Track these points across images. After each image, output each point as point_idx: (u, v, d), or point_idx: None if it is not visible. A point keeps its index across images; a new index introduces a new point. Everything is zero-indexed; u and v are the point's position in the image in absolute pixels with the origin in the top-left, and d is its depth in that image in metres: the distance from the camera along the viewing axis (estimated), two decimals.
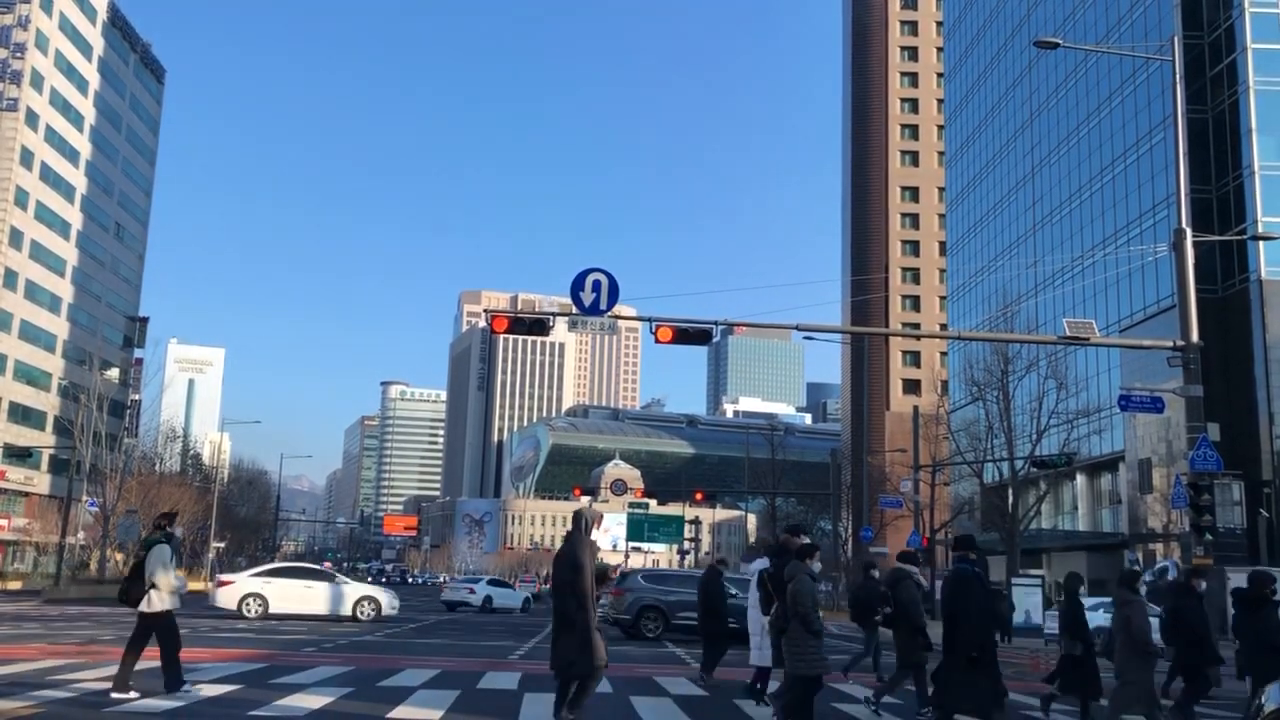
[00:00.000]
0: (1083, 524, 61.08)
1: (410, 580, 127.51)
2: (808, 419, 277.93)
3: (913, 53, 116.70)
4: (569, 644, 8.87)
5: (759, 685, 12.96)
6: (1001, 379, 42.79)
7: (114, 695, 10.98)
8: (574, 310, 20.18)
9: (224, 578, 31.41)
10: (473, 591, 44.74)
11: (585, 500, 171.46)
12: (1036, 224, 67.50)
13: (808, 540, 11.28)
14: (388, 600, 30.33)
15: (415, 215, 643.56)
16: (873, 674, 17.00)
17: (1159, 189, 51.50)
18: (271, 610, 28.48)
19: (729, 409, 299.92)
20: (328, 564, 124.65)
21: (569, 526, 9.69)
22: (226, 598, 29.02)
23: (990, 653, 9.13)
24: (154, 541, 11.55)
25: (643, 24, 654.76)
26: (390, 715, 10.74)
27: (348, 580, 33.01)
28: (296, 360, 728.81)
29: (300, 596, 29.19)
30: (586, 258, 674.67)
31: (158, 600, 11.38)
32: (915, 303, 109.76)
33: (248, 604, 28.43)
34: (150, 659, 11.86)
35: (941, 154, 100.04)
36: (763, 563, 12.80)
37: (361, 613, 29.27)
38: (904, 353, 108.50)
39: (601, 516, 9.75)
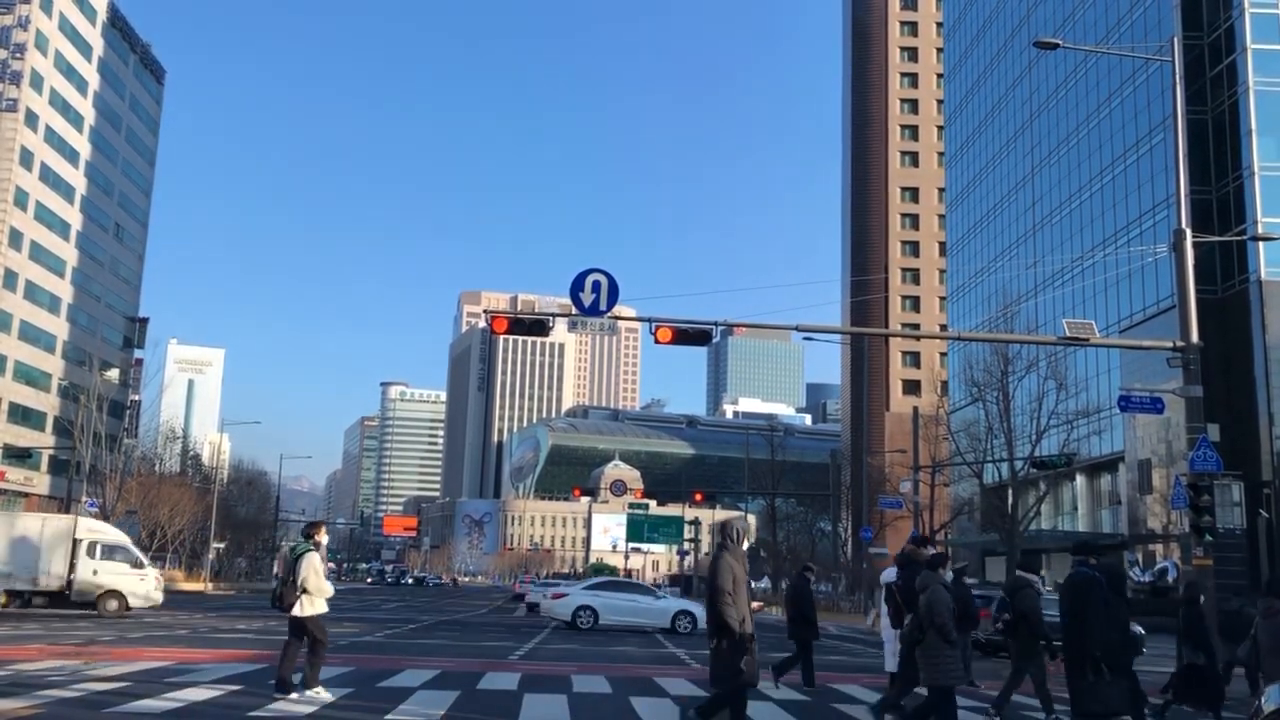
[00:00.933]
0: (1082, 524, 61.09)
1: (430, 582, 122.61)
2: (808, 419, 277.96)
3: (913, 53, 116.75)
4: (726, 654, 8.77)
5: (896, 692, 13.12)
6: (1001, 379, 42.82)
7: (310, 693, 11.53)
8: (574, 311, 20.19)
9: (557, 590, 32.99)
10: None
11: (584, 500, 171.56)
12: (1036, 224, 67.51)
13: (935, 550, 11.31)
14: (701, 614, 30.51)
15: (415, 215, 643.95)
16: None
17: (1159, 189, 51.49)
18: (601, 622, 29.21)
19: (729, 409, 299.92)
20: (329, 565, 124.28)
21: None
22: (561, 609, 30.05)
23: (1118, 655, 8.97)
24: (304, 550, 12.03)
25: (641, 24, 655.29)
26: (390, 715, 10.73)
27: (666, 595, 34.63)
28: (296, 361, 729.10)
29: (627, 609, 29.97)
30: (586, 258, 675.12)
31: (309, 605, 11.86)
32: (915, 303, 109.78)
33: (581, 615, 29.37)
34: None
35: (941, 154, 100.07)
36: (891, 574, 12.87)
37: (680, 626, 29.49)
38: (904, 353, 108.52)
39: (750, 528, 9.73)
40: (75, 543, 29.49)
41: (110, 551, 29.80)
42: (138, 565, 29.96)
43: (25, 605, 28.79)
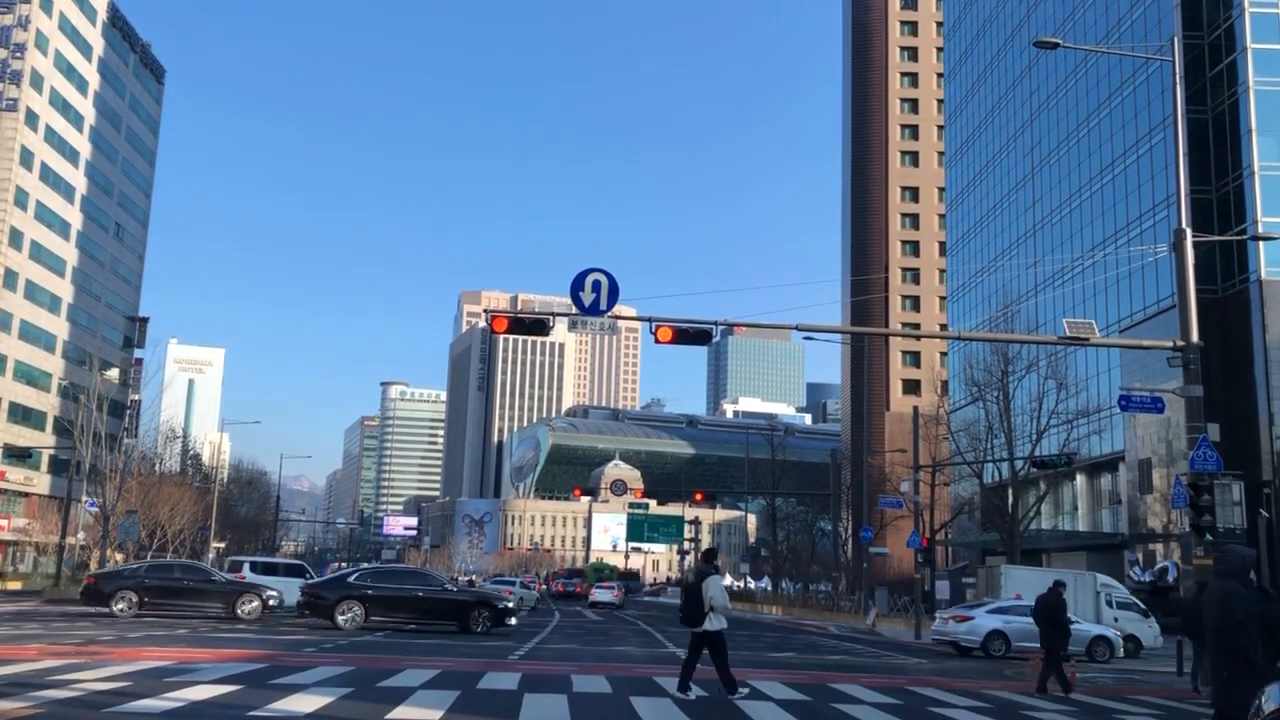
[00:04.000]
0: (1083, 524, 61.06)
1: None
2: (808, 419, 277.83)
3: (913, 53, 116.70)
4: (1243, 687, 8.58)
5: None
6: (1001, 379, 42.81)
7: (676, 695, 13.19)
8: (574, 310, 20.19)
9: (961, 613, 30.50)
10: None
11: (585, 500, 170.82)
12: (1036, 224, 67.49)
13: None
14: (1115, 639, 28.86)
15: (415, 216, 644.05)
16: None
17: (1159, 189, 51.48)
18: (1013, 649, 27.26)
19: (729, 409, 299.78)
20: (333, 565, 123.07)
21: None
22: (969, 632, 28.22)
23: None
24: (707, 572, 13.69)
25: (642, 24, 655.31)
26: (390, 715, 10.73)
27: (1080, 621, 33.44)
28: (296, 360, 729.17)
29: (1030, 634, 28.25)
30: (587, 258, 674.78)
31: (715, 621, 13.48)
32: (915, 303, 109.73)
33: (994, 642, 27.54)
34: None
35: (942, 154, 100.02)
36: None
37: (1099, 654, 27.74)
38: (904, 353, 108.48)
39: (1255, 556, 9.53)
40: (1096, 594, 33.17)
41: (1121, 604, 33.00)
42: (1145, 614, 33.12)
43: None
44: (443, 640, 23.13)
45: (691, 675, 13.54)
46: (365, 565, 39.61)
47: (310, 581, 29.21)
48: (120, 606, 27.01)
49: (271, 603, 28.47)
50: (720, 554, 14.65)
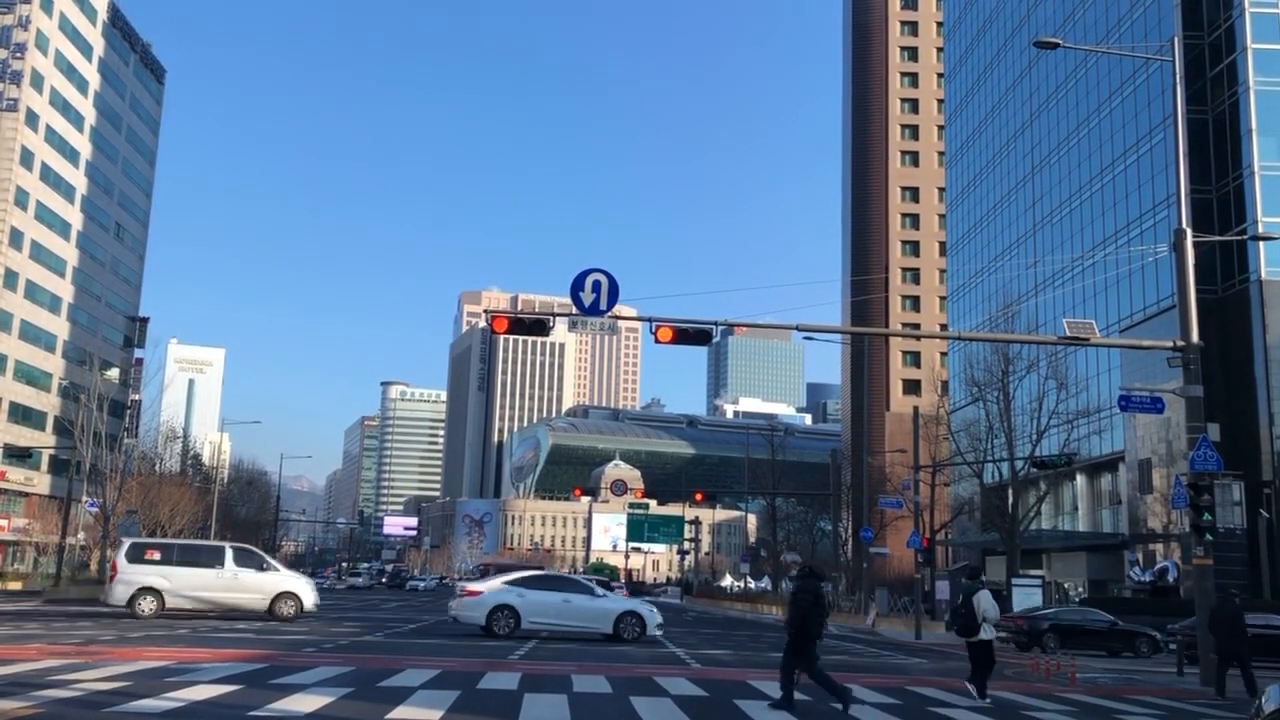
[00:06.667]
0: (1083, 524, 61.05)
1: (430, 584, 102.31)
2: (808, 419, 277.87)
3: (913, 53, 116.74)
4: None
5: None
6: (1002, 379, 42.83)
7: (969, 685, 15.23)
8: (574, 310, 20.20)
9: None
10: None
11: (585, 500, 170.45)
12: (1037, 224, 67.49)
13: None
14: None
15: (416, 215, 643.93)
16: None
17: (1159, 189, 51.47)
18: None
19: (729, 409, 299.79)
20: (342, 566, 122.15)
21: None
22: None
23: None
24: (976, 588, 15.33)
25: (642, 24, 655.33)
26: (390, 715, 10.73)
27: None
28: (296, 360, 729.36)
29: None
30: (587, 258, 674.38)
31: (988, 631, 15.18)
32: (915, 303, 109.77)
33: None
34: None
35: (942, 154, 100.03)
36: None
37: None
38: (904, 353, 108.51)
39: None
40: None
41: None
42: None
43: None
44: (443, 640, 23.15)
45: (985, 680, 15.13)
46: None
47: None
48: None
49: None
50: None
